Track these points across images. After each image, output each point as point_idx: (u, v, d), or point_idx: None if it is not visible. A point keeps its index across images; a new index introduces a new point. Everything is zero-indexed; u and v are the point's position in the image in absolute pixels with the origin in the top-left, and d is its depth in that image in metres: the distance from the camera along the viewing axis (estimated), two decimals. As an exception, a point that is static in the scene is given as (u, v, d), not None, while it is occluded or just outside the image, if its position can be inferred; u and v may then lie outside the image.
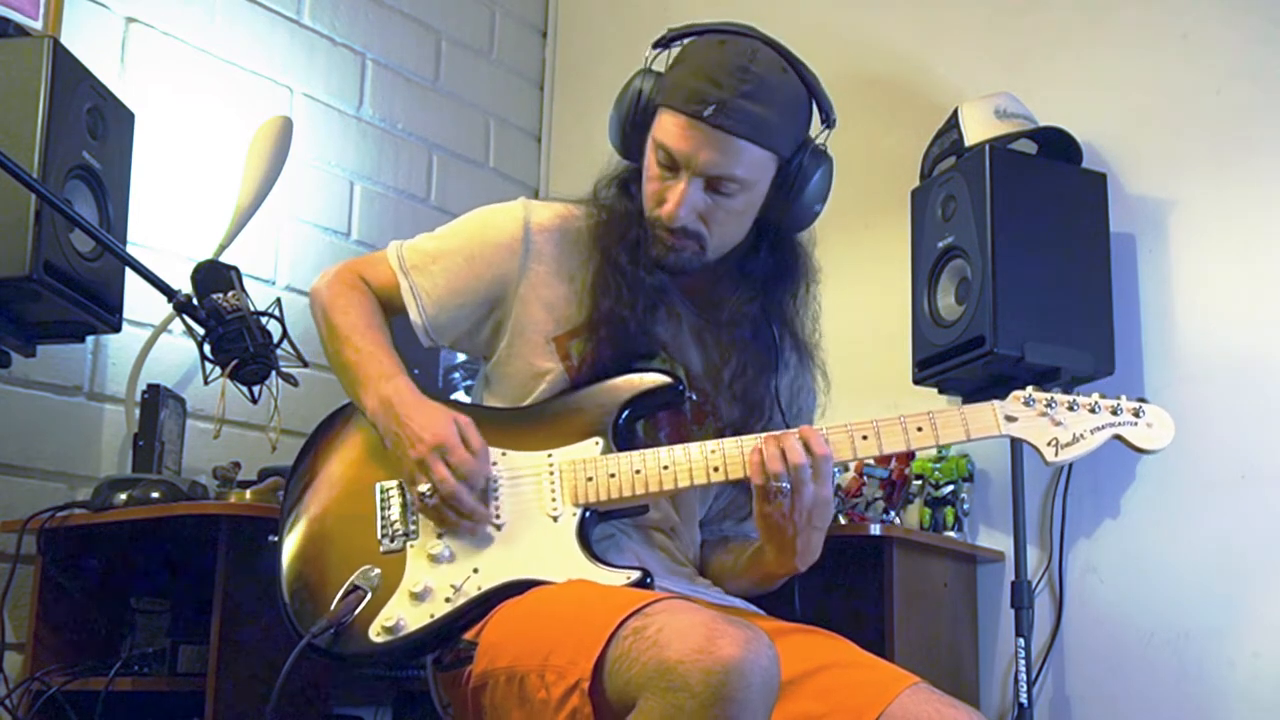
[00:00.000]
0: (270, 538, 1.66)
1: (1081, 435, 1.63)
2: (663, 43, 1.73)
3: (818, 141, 1.71)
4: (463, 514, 1.59)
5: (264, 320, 1.70)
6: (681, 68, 1.68)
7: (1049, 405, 1.63)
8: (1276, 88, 2.44)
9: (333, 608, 1.55)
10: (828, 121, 1.73)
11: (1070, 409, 1.64)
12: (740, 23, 1.71)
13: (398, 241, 1.82)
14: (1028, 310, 2.32)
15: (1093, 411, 1.64)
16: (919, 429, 1.63)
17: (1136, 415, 1.64)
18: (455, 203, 3.24)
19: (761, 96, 1.62)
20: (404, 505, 1.65)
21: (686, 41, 1.71)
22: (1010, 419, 1.64)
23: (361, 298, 1.78)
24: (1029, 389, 1.65)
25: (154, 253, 2.52)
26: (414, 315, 1.77)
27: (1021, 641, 2.29)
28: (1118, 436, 1.64)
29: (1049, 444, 1.62)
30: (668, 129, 1.65)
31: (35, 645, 2.19)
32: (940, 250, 2.45)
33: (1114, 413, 1.64)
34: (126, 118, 2.15)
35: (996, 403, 1.64)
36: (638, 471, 1.64)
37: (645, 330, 1.72)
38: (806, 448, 1.57)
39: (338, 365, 1.75)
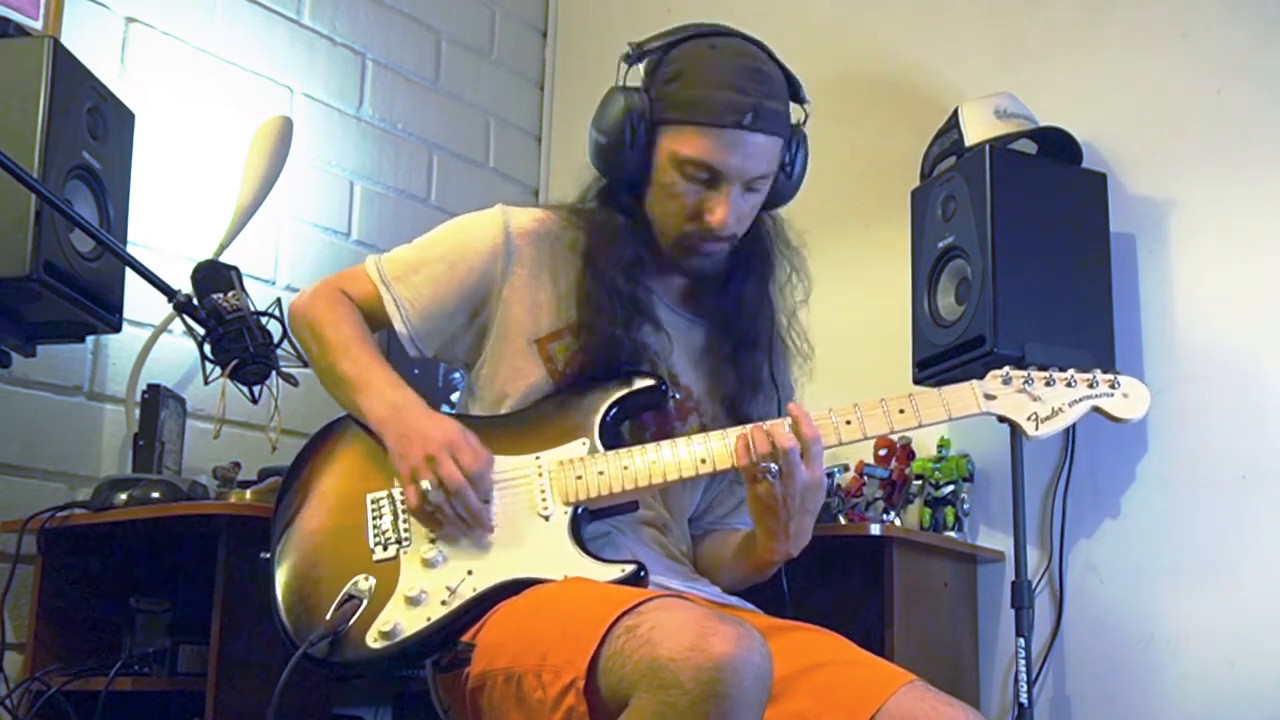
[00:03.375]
0: (262, 555, 1.65)
1: (1060, 409, 1.65)
2: (634, 58, 1.72)
3: (795, 120, 1.76)
4: (463, 514, 1.59)
5: (264, 320, 1.70)
6: (685, 81, 1.67)
7: (1026, 382, 1.66)
8: (1276, 88, 2.44)
9: (328, 617, 1.55)
10: (798, 98, 1.76)
11: (1047, 384, 1.67)
12: (701, 22, 1.71)
13: (375, 256, 1.82)
14: (1028, 310, 2.32)
15: (1069, 386, 1.66)
16: (900, 411, 1.64)
17: (1112, 387, 1.67)
18: (455, 203, 3.24)
19: (776, 92, 1.69)
20: (395, 514, 1.64)
21: (671, 54, 1.69)
22: (989, 397, 1.66)
23: (349, 312, 1.78)
24: (1006, 368, 1.67)
25: (154, 253, 2.52)
26: (398, 326, 1.77)
27: (1021, 641, 2.29)
28: (1096, 408, 1.67)
29: (1029, 419, 1.65)
30: (699, 145, 1.65)
31: (35, 645, 2.19)
32: (940, 250, 2.45)
33: (1090, 385, 1.67)
34: (126, 118, 2.15)
35: (975, 382, 1.67)
36: (626, 467, 1.64)
37: (628, 333, 1.73)
38: (795, 430, 1.57)
39: (332, 377, 1.74)
